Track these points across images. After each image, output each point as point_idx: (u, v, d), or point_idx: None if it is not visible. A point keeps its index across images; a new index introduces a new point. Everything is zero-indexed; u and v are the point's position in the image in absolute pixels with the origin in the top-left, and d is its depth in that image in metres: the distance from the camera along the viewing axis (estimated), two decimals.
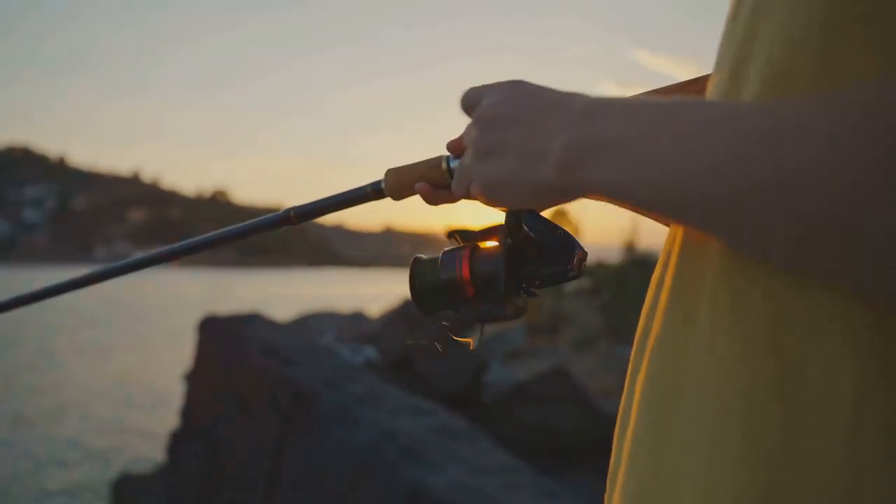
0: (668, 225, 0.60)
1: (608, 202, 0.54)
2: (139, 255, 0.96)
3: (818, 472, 0.42)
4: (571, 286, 19.71)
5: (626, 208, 0.56)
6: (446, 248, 0.74)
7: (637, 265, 17.37)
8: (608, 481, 0.60)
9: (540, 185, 0.55)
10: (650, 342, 0.56)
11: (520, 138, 0.56)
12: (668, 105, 0.47)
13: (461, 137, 0.83)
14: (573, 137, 0.51)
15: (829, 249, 0.39)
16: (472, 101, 0.64)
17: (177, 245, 0.93)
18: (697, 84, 0.76)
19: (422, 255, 0.76)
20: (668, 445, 0.49)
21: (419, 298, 0.74)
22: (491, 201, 0.62)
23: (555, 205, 0.59)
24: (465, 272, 0.71)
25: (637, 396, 0.55)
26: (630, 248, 18.99)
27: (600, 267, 19.32)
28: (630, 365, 0.61)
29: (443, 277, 0.72)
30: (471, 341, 0.74)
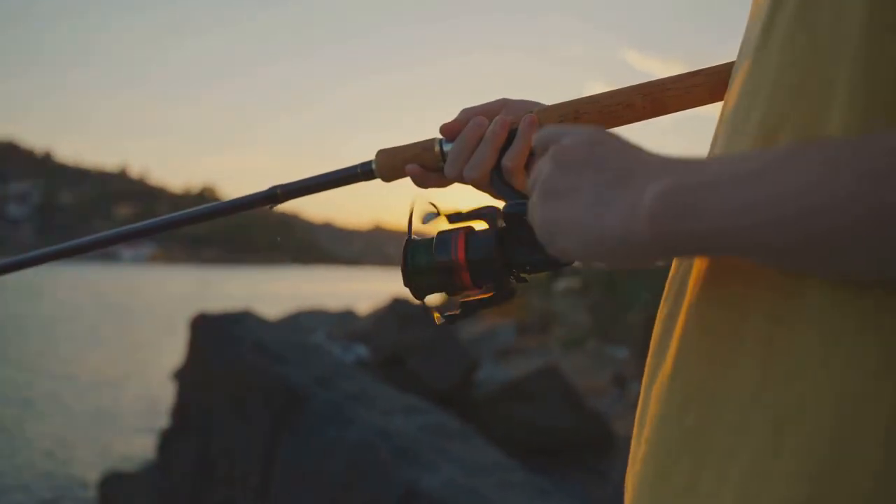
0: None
1: (696, 254, 0.50)
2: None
3: (860, 482, 0.43)
4: (561, 285, 19.77)
5: (715, 255, 0.52)
6: (440, 230, 0.72)
7: None
8: (631, 482, 0.59)
9: (613, 236, 0.50)
10: (674, 348, 0.55)
11: (596, 183, 0.52)
12: (759, 153, 0.47)
13: (455, 121, 0.81)
14: (667, 186, 0.48)
15: None
16: (549, 139, 0.59)
17: (161, 218, 0.89)
18: (719, 73, 0.76)
19: (415, 237, 0.74)
20: (710, 452, 0.49)
21: (412, 280, 0.72)
22: (549, 245, 0.57)
23: (620, 259, 0.53)
24: (461, 255, 0.69)
25: (661, 400, 0.55)
26: None
27: (589, 266, 19.32)
28: (647, 368, 0.60)
29: (437, 260, 0.70)
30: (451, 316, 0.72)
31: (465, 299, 0.72)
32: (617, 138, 0.56)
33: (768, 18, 0.54)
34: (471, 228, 0.71)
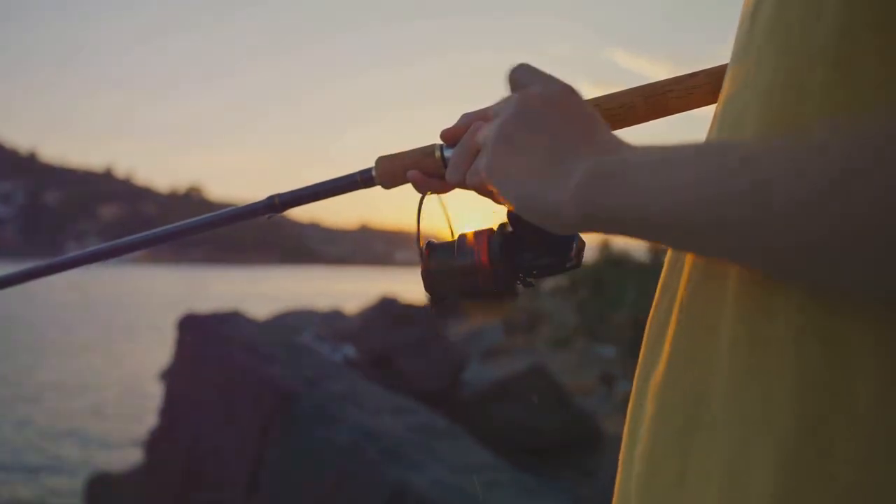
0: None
1: (616, 232, 0.52)
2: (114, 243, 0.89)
3: (837, 474, 0.44)
4: (548, 284, 19.77)
5: (634, 235, 0.52)
6: (462, 233, 0.73)
7: (613, 264, 17.47)
8: (623, 479, 0.61)
9: (547, 201, 0.53)
10: (666, 349, 0.56)
11: (549, 147, 0.55)
12: (698, 145, 0.48)
13: (455, 127, 0.80)
14: (598, 162, 0.51)
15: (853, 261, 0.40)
16: (522, 80, 0.61)
17: (157, 231, 0.87)
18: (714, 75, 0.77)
19: (434, 240, 0.74)
20: (695, 451, 0.51)
21: (433, 282, 0.73)
22: (491, 187, 0.60)
23: (552, 227, 0.55)
24: (485, 258, 0.70)
25: (654, 401, 0.56)
26: (606, 246, 19.09)
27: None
28: (638, 370, 0.61)
29: (460, 263, 0.71)
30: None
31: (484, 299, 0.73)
32: (582, 104, 0.58)
33: (751, 18, 0.54)
34: (492, 231, 0.72)
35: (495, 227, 0.72)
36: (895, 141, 0.38)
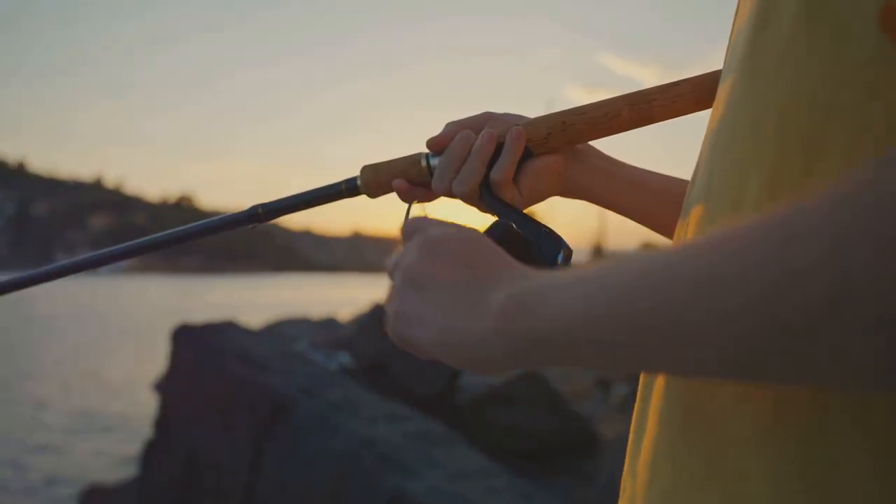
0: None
1: (540, 360, 0.48)
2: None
3: (843, 485, 0.44)
4: None
5: (556, 361, 0.48)
6: None
7: None
8: (628, 487, 0.61)
9: (469, 332, 0.49)
10: None
11: (456, 280, 0.51)
12: (622, 259, 0.45)
13: (442, 135, 0.82)
14: (517, 287, 0.48)
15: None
16: (417, 228, 0.58)
17: (142, 240, 0.88)
18: (703, 84, 0.76)
19: None
20: (692, 460, 0.51)
21: None
22: (397, 337, 0.55)
23: (478, 365, 0.50)
24: None
25: (658, 409, 0.56)
26: (598, 249, 19.14)
27: None
28: (643, 377, 0.61)
29: None
30: None
31: None
32: (485, 240, 0.55)
33: (756, 30, 0.52)
34: None
35: None
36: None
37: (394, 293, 0.56)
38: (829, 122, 0.45)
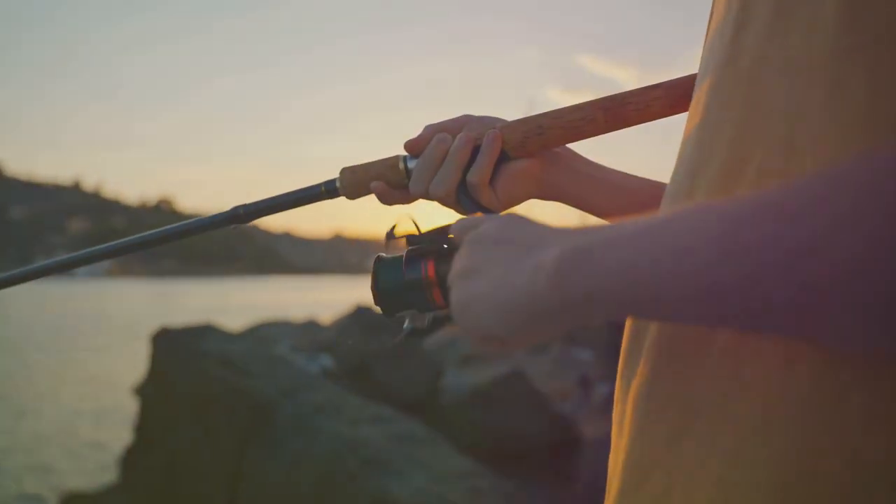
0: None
1: (600, 314, 0.48)
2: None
3: (827, 496, 0.44)
4: None
5: (617, 314, 0.49)
6: (410, 248, 0.70)
7: None
8: (612, 489, 0.60)
9: (521, 302, 0.49)
10: (646, 354, 0.56)
11: (506, 256, 0.52)
12: (669, 214, 0.46)
13: (419, 138, 0.82)
14: (568, 246, 0.48)
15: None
16: (466, 227, 0.60)
17: (122, 241, 0.88)
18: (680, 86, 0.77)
19: (383, 254, 0.71)
20: (682, 462, 0.50)
21: (382, 298, 0.70)
22: (465, 326, 0.55)
23: (535, 335, 0.51)
24: (431, 272, 0.68)
25: (636, 409, 0.55)
26: None
27: None
28: (620, 376, 0.60)
29: (408, 278, 0.68)
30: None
31: (436, 315, 0.72)
32: (528, 219, 0.56)
33: (734, 32, 0.54)
34: (441, 246, 0.69)
35: (445, 245, 0.69)
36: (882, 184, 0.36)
37: (451, 294, 0.56)
38: (804, 121, 0.46)
